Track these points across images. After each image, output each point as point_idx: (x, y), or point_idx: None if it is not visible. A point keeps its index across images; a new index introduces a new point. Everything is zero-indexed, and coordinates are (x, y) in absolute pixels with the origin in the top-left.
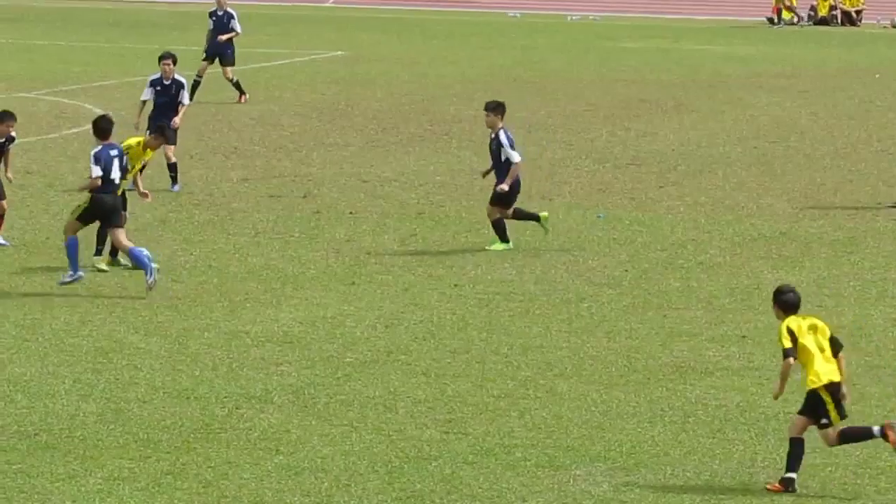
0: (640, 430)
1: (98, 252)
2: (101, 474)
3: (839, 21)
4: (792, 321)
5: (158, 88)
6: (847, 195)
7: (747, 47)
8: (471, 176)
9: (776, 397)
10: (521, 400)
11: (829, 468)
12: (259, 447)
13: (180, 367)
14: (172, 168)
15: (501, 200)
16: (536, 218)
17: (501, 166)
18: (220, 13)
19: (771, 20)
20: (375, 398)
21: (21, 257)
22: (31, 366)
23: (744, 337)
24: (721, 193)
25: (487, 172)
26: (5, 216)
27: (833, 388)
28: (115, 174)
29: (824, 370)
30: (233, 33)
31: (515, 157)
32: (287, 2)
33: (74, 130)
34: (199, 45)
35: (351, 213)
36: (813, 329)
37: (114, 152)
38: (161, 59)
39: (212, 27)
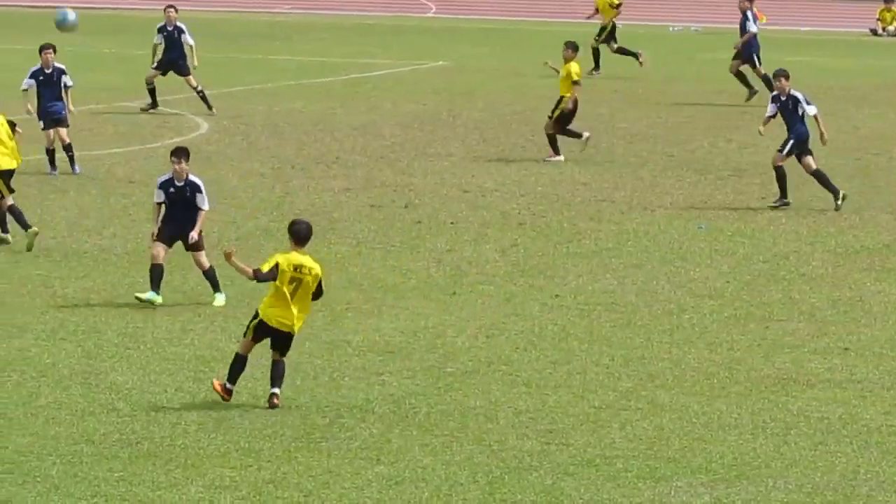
0: (741, 441)
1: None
2: (202, 483)
3: None
4: (284, 260)
5: (41, 78)
6: None
7: (849, 59)
8: (572, 187)
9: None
10: (623, 411)
11: None
12: (360, 457)
13: None
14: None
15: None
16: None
17: (194, 212)
18: (169, 28)
19: (874, 31)
20: (476, 408)
21: (123, 266)
22: (133, 374)
23: (846, 349)
24: (823, 205)
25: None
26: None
27: (264, 327)
28: None
29: (277, 312)
30: (187, 47)
31: (207, 204)
32: (389, 12)
33: (176, 140)
34: (302, 55)
35: (452, 223)
36: (296, 280)
37: None
38: (41, 49)
39: (162, 42)
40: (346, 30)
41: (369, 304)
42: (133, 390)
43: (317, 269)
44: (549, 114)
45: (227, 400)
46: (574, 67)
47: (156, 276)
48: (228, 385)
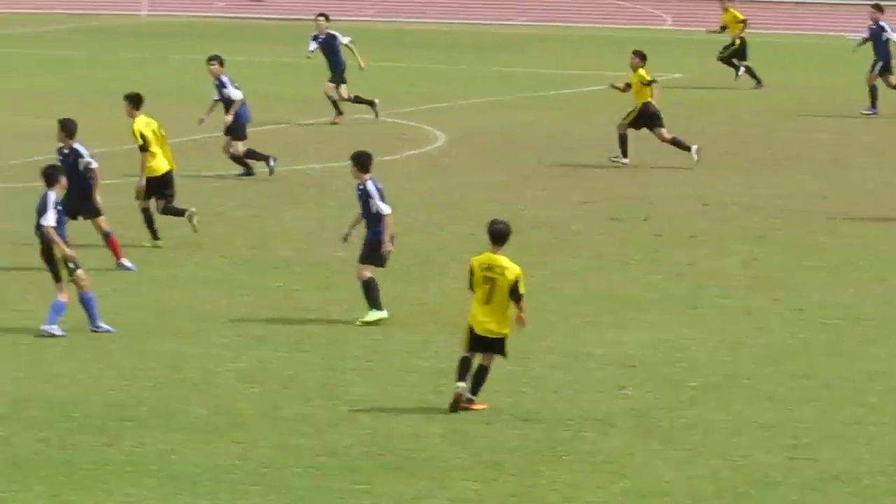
0: None
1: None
2: (446, 495)
3: None
4: (476, 262)
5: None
6: None
7: None
8: (810, 199)
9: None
10: (870, 426)
11: None
12: (604, 471)
13: (523, 390)
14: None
15: (377, 258)
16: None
17: (372, 218)
18: (322, 37)
19: None
20: (719, 422)
21: None
22: (374, 387)
23: None
24: None
25: (354, 225)
26: None
27: (473, 336)
28: None
29: (478, 315)
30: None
31: (385, 208)
32: (625, 24)
33: (413, 152)
34: (535, 66)
35: (692, 236)
36: (490, 280)
37: None
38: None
39: (316, 49)
40: (581, 41)
41: (609, 318)
42: (374, 403)
43: (513, 269)
44: (625, 117)
45: (463, 403)
46: (642, 72)
47: (368, 292)
48: (459, 385)
